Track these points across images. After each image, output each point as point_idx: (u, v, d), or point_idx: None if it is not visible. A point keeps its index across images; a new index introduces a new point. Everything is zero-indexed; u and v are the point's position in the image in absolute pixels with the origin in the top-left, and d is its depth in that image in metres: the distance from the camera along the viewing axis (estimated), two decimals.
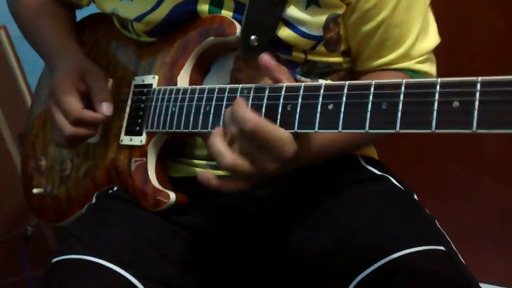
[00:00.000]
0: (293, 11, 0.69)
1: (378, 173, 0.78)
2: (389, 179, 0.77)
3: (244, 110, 0.57)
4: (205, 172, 0.62)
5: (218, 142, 0.59)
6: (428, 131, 0.47)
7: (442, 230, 0.70)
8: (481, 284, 0.63)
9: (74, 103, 0.74)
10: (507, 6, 1.06)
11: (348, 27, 0.73)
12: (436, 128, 0.47)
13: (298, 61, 0.74)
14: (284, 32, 0.71)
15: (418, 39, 0.74)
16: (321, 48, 0.73)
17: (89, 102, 0.77)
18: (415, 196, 0.76)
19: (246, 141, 0.57)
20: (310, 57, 0.74)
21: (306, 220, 0.74)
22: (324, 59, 0.75)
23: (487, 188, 1.20)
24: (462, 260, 0.66)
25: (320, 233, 0.72)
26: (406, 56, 0.74)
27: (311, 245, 0.72)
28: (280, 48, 0.72)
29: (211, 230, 0.77)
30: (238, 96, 0.62)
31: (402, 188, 0.76)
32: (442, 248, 0.64)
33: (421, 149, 1.22)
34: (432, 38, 0.76)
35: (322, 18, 0.70)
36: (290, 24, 0.71)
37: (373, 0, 0.69)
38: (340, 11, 0.71)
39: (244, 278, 0.80)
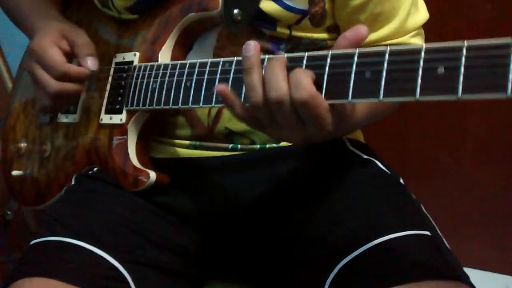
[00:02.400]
0: None
1: (365, 156, 0.77)
2: (376, 163, 0.76)
3: (304, 75, 0.50)
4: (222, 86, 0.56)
5: (256, 73, 0.53)
6: (412, 98, 0.46)
7: (428, 215, 0.69)
8: (465, 269, 0.62)
9: (57, 58, 0.72)
10: None
11: (336, 1, 0.71)
12: (420, 95, 0.45)
13: (283, 36, 0.72)
14: (268, 5, 0.69)
15: (411, 13, 0.72)
16: (306, 22, 0.71)
17: (71, 60, 0.74)
18: (401, 180, 0.75)
19: (291, 107, 0.51)
20: (294, 33, 0.72)
21: (292, 205, 0.73)
22: (309, 34, 0.73)
23: (471, 172, 1.20)
24: (447, 245, 0.65)
25: (305, 218, 0.71)
26: (400, 30, 0.72)
27: (296, 230, 0.71)
28: (265, 23, 0.70)
29: (194, 212, 0.76)
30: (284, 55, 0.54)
31: (388, 172, 0.75)
32: (427, 233, 0.64)
33: (406, 134, 1.22)
34: (422, 12, 0.75)
35: None
36: None
37: None
38: None
39: (228, 261, 0.79)
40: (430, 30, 0.77)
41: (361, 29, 0.51)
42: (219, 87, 0.56)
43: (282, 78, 0.51)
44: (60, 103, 0.76)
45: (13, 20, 0.88)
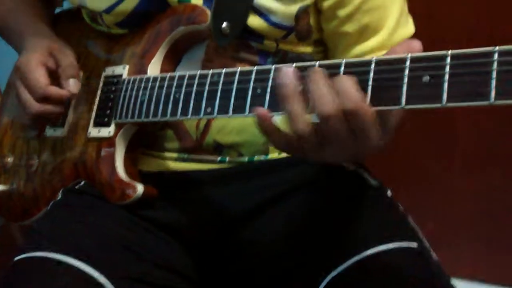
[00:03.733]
0: (264, 1, 0.69)
1: (354, 169, 0.77)
2: (365, 175, 0.76)
3: (351, 83, 0.47)
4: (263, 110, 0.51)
5: (297, 100, 0.49)
6: (398, 107, 0.46)
7: (415, 227, 0.70)
8: (453, 278, 0.63)
9: (40, 79, 0.72)
10: (477, 3, 1.09)
11: (324, 13, 0.72)
12: (406, 103, 0.46)
13: (270, 50, 0.73)
14: (256, 21, 0.70)
15: (400, 24, 0.73)
16: (292, 37, 0.72)
17: (57, 79, 0.75)
18: (389, 192, 0.75)
19: (340, 121, 0.48)
20: (281, 46, 0.73)
21: (279, 217, 0.73)
22: (295, 48, 0.74)
23: (459, 181, 1.21)
24: (435, 256, 0.66)
25: (293, 230, 0.71)
26: (389, 41, 0.73)
27: (282, 242, 0.71)
28: (252, 37, 0.71)
29: (182, 225, 0.75)
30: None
31: (376, 184, 0.75)
32: (414, 245, 0.64)
33: (394, 142, 1.23)
34: (410, 25, 0.76)
35: (293, 8, 0.70)
36: (261, 13, 0.70)
37: None
38: (309, 1, 0.70)
39: (215, 276, 0.78)
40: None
41: (413, 44, 0.48)
42: (260, 110, 0.51)
43: (328, 90, 0.48)
44: (41, 122, 0.77)
45: (2, 35, 0.89)
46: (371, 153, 0.53)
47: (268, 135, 0.52)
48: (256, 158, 0.76)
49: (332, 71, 0.51)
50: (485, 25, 1.07)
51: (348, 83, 0.47)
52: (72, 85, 0.73)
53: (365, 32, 0.72)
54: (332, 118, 0.47)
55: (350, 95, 0.47)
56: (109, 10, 0.75)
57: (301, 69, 0.51)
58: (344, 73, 0.50)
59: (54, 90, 0.73)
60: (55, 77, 0.75)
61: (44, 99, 0.72)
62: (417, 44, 0.48)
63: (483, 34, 1.08)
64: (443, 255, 0.66)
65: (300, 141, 0.50)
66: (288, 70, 0.50)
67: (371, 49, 0.73)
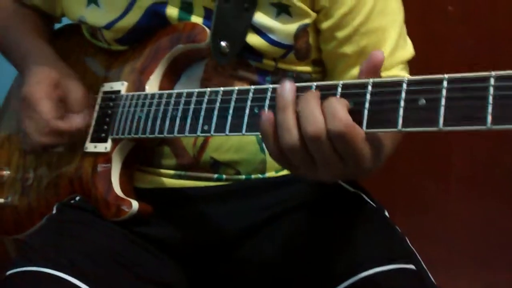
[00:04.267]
0: (263, 19, 0.69)
1: (351, 190, 0.77)
2: (362, 196, 0.76)
3: (338, 104, 0.48)
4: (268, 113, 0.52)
5: (291, 113, 0.50)
6: (395, 130, 0.46)
7: (413, 249, 0.69)
8: None
9: (47, 112, 0.72)
10: (475, 23, 1.09)
11: (322, 33, 0.72)
12: (403, 126, 0.46)
13: (269, 69, 0.74)
14: (255, 39, 0.70)
15: (398, 46, 0.73)
16: (291, 56, 0.73)
17: (63, 109, 0.74)
18: (386, 213, 0.75)
19: (326, 143, 0.48)
20: (280, 65, 0.73)
21: (274, 235, 0.73)
22: (294, 67, 0.74)
23: (456, 204, 1.21)
24: (432, 279, 0.65)
25: (290, 250, 0.70)
26: (387, 63, 0.73)
27: (278, 262, 0.70)
28: (251, 55, 0.72)
29: (178, 242, 0.75)
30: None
31: (374, 205, 0.75)
32: (412, 267, 0.64)
33: (392, 163, 1.23)
34: (409, 47, 0.76)
35: (293, 27, 0.70)
36: (260, 31, 0.70)
37: (347, 5, 0.69)
38: (309, 21, 0.70)
39: None
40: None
41: (376, 54, 0.50)
42: (267, 114, 0.52)
43: (318, 111, 0.49)
44: (42, 152, 0.76)
45: (2, 52, 0.88)
46: (364, 175, 0.54)
47: (267, 140, 0.52)
48: (253, 176, 0.75)
49: (328, 92, 0.51)
50: (485, 48, 1.08)
51: (338, 106, 0.48)
52: (81, 120, 0.73)
53: (363, 54, 0.72)
54: (318, 139, 0.48)
55: (339, 117, 0.47)
56: (109, 26, 0.75)
57: (298, 90, 0.52)
58: (341, 94, 0.50)
59: (62, 125, 0.73)
60: (62, 107, 0.74)
61: (51, 133, 0.72)
62: (379, 53, 0.49)
63: (483, 57, 1.08)
64: (439, 277, 0.66)
65: (291, 155, 0.51)
66: (289, 83, 0.52)
67: None
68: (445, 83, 0.44)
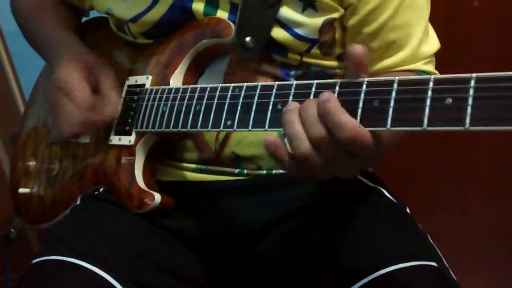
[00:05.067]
0: (288, 13, 0.69)
1: (371, 184, 0.76)
2: (382, 191, 0.75)
3: (343, 114, 0.49)
4: (273, 138, 0.53)
5: (297, 123, 0.51)
6: (420, 128, 0.46)
7: (434, 246, 0.68)
8: None
9: (81, 102, 0.71)
10: (501, 20, 1.07)
11: (348, 30, 0.72)
12: (428, 125, 0.45)
13: (293, 63, 0.73)
14: (279, 34, 0.70)
15: (423, 41, 0.73)
16: (315, 50, 0.72)
17: (94, 98, 0.73)
18: (408, 209, 0.74)
19: (335, 146, 0.50)
20: (305, 59, 0.73)
21: (296, 232, 0.73)
22: (319, 61, 0.74)
23: (478, 205, 1.19)
24: (454, 276, 0.64)
25: (310, 246, 0.70)
26: (413, 57, 0.73)
27: (300, 258, 0.70)
28: (276, 49, 0.72)
29: (199, 235, 0.75)
30: (327, 92, 0.51)
31: (395, 201, 0.75)
32: (434, 264, 0.63)
33: (412, 165, 1.22)
34: (434, 41, 0.75)
35: (318, 21, 0.70)
36: (286, 25, 0.70)
37: (374, 2, 0.69)
38: (337, 15, 0.70)
39: (231, 283, 0.77)
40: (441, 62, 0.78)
41: (355, 48, 0.50)
42: (269, 139, 0.53)
43: (316, 118, 0.50)
44: (73, 138, 0.76)
45: (31, 42, 0.90)
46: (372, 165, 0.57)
47: (280, 161, 0.53)
48: (274, 171, 0.76)
49: (355, 89, 0.51)
50: (511, 45, 1.06)
51: (337, 112, 0.49)
52: (112, 112, 0.73)
53: (389, 49, 0.72)
54: (322, 143, 0.50)
55: (344, 125, 0.48)
56: (135, 19, 0.76)
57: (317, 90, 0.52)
58: (366, 92, 0.50)
59: (94, 116, 0.72)
60: (93, 96, 0.74)
61: (87, 121, 0.72)
62: (358, 48, 0.49)
63: (510, 54, 1.06)
64: (462, 279, 0.65)
65: (307, 162, 0.51)
66: (293, 104, 0.53)
67: (393, 64, 0.72)
68: (472, 82, 0.44)
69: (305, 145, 0.51)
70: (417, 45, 0.72)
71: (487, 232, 1.19)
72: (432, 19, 0.75)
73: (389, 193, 0.75)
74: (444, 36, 0.77)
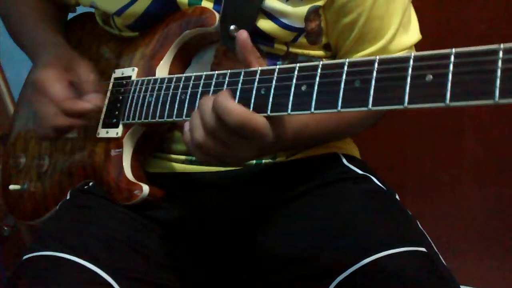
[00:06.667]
0: (273, 3, 0.69)
1: (360, 172, 0.76)
2: (371, 178, 0.75)
3: (229, 101, 0.55)
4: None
5: (196, 116, 0.58)
6: (401, 106, 0.45)
7: (424, 231, 0.68)
8: (462, 287, 0.61)
9: (59, 94, 0.71)
10: (488, 8, 1.07)
11: (328, 19, 0.72)
12: (409, 103, 0.45)
13: (280, 53, 0.73)
14: (265, 24, 0.70)
15: (398, 33, 0.73)
16: (302, 40, 0.72)
17: (73, 92, 0.73)
18: (397, 197, 0.74)
19: (227, 132, 0.55)
20: (291, 49, 0.73)
21: (286, 219, 0.72)
22: (306, 51, 0.73)
23: (468, 190, 1.18)
24: (443, 261, 0.64)
25: (300, 233, 0.70)
26: (384, 50, 0.73)
27: (290, 245, 0.70)
28: (262, 40, 0.71)
29: (189, 227, 0.75)
30: (225, 88, 0.59)
31: (384, 188, 0.74)
32: (423, 249, 0.63)
33: (404, 151, 1.22)
34: (412, 34, 0.75)
35: (303, 9, 0.69)
36: (271, 15, 0.70)
37: None
38: (321, 3, 0.70)
39: (220, 277, 0.77)
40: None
41: (241, 33, 0.57)
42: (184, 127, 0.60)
43: (210, 109, 0.56)
44: (58, 136, 0.75)
45: (14, 39, 0.89)
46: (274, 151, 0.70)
47: (187, 147, 0.60)
48: (264, 161, 0.75)
49: (336, 71, 0.51)
50: (498, 31, 1.05)
51: (226, 100, 0.55)
52: (95, 99, 0.72)
53: (363, 40, 0.72)
54: (216, 131, 0.56)
55: (229, 111, 0.54)
56: (119, 12, 0.75)
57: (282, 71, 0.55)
58: (347, 73, 0.50)
59: (80, 104, 0.71)
60: (73, 90, 0.74)
61: (69, 113, 0.71)
62: (241, 32, 0.57)
63: (496, 38, 1.06)
64: (452, 264, 0.64)
65: (203, 147, 0.58)
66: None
67: (367, 55, 0.72)
68: (452, 58, 0.43)
69: (198, 133, 0.57)
70: (391, 37, 0.72)
71: (479, 217, 1.19)
72: (419, 7, 0.75)
73: (378, 180, 0.75)
74: (431, 23, 0.77)
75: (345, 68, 0.50)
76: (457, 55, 0.43)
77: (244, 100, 0.57)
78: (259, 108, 0.56)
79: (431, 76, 0.44)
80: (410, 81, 0.45)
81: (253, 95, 0.57)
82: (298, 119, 0.65)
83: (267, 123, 0.55)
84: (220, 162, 0.60)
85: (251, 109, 0.56)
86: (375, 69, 0.48)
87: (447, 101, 0.43)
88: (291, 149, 0.76)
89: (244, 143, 0.56)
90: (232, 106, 0.54)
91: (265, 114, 0.55)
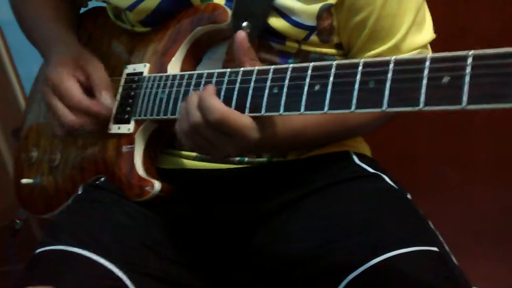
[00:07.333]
0: (285, 0, 0.68)
1: (372, 171, 0.76)
2: (383, 177, 0.75)
3: (212, 99, 0.57)
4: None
5: (183, 113, 0.60)
6: (416, 108, 0.45)
7: (436, 231, 0.68)
8: None
9: (76, 92, 0.73)
10: (503, 7, 1.05)
11: (340, 17, 0.71)
12: (425, 105, 0.44)
13: (292, 51, 0.73)
14: (277, 22, 0.69)
15: (410, 32, 0.72)
16: (314, 38, 0.72)
17: (86, 92, 0.75)
18: (409, 196, 0.74)
19: (209, 128, 0.57)
20: (303, 47, 0.72)
21: (296, 217, 0.72)
22: (318, 49, 0.73)
23: (480, 190, 1.17)
24: (455, 261, 0.64)
25: (311, 231, 0.70)
26: (396, 49, 0.72)
27: (300, 243, 0.70)
28: (274, 37, 0.71)
29: (200, 223, 0.75)
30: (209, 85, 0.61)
31: (396, 187, 0.74)
32: (435, 249, 0.62)
33: (415, 151, 1.21)
34: (425, 33, 0.74)
35: (315, 8, 0.69)
36: (283, 13, 0.69)
37: None
38: (333, 1, 0.69)
39: (231, 275, 0.77)
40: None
41: (240, 33, 0.60)
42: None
43: (195, 106, 0.59)
44: (71, 133, 0.76)
45: (28, 36, 0.90)
46: (265, 150, 0.72)
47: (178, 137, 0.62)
48: (275, 159, 0.75)
49: (350, 71, 0.50)
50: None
51: (207, 97, 0.57)
52: (107, 100, 0.73)
53: (374, 39, 0.71)
54: (200, 127, 0.58)
55: (209, 107, 0.57)
56: (132, 7, 0.75)
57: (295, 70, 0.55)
58: (362, 73, 0.49)
59: (94, 105, 0.73)
60: (85, 88, 0.75)
61: (82, 112, 0.72)
62: (239, 33, 0.59)
63: (510, 41, 1.04)
64: (463, 264, 0.64)
65: (188, 140, 0.61)
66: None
67: (379, 54, 0.72)
68: (470, 60, 0.42)
69: (184, 124, 0.60)
70: (403, 36, 0.71)
71: (490, 217, 1.18)
72: (430, 7, 0.74)
73: (390, 179, 0.74)
74: (442, 23, 0.76)
75: (360, 68, 0.49)
76: (475, 58, 0.42)
77: (256, 99, 0.57)
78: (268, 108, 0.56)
79: (447, 78, 0.43)
80: (426, 83, 0.44)
81: (266, 94, 0.56)
82: (295, 121, 0.66)
83: (253, 122, 0.57)
84: (206, 154, 0.64)
85: (247, 110, 0.58)
86: (391, 70, 0.47)
87: (464, 103, 0.42)
88: (291, 150, 0.75)
89: (226, 140, 0.58)
90: (214, 104, 0.56)
91: (259, 114, 0.57)
